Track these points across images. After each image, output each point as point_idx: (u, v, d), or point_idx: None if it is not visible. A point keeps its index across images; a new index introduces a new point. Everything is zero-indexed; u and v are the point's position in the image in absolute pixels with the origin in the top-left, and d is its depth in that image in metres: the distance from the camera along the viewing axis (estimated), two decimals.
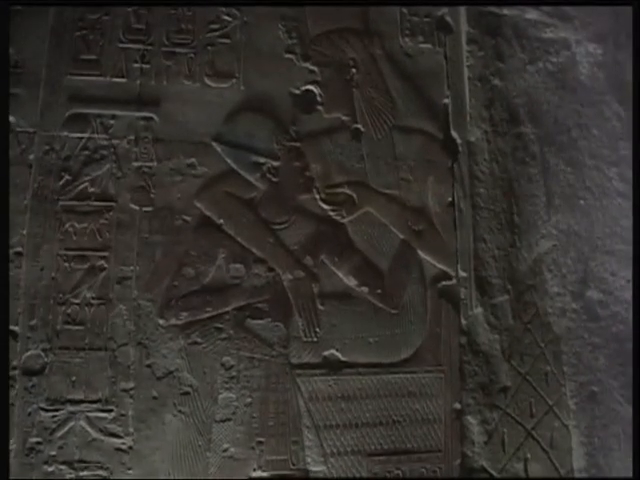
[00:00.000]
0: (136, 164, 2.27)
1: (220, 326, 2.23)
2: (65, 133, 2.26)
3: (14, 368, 2.16)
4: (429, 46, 2.51)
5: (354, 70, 2.41)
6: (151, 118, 2.29)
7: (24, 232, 2.20)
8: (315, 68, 2.41)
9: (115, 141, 2.27)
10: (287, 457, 2.23)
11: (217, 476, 2.18)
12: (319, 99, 2.38)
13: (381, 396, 2.31)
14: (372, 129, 2.39)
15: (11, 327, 2.17)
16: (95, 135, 2.27)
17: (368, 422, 2.28)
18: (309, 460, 2.24)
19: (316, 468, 2.23)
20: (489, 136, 2.49)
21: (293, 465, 2.22)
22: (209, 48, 2.37)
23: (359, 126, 2.39)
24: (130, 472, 2.15)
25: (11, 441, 2.13)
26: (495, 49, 2.56)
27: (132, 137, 2.28)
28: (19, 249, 2.20)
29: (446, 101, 2.49)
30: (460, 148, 2.47)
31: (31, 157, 2.24)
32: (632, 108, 2.43)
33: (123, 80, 2.31)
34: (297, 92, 2.38)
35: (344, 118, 2.38)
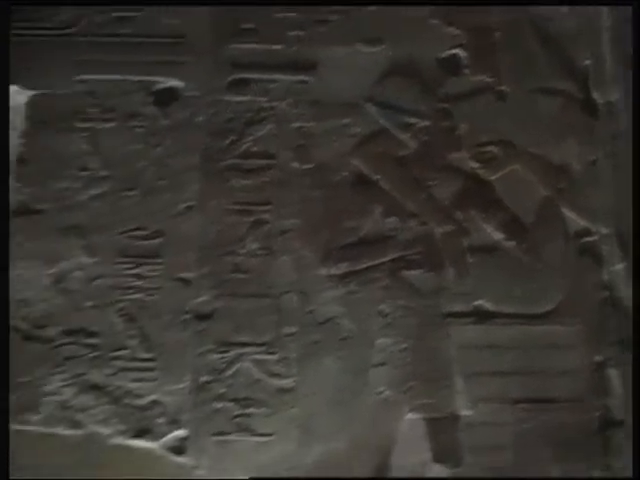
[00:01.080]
0: (295, 125, 2.42)
1: (377, 276, 2.36)
2: (228, 97, 2.43)
3: (186, 312, 2.34)
4: (568, 8, 2.58)
5: (498, 33, 2.51)
6: (307, 82, 2.44)
7: (195, 188, 2.39)
8: (459, 32, 2.52)
9: (275, 103, 2.43)
10: (438, 401, 2.34)
11: (372, 417, 2.31)
12: (464, 62, 2.49)
13: (525, 346, 2.39)
14: (516, 90, 2.49)
15: (183, 275, 2.35)
16: (256, 98, 2.44)
17: (513, 371, 2.37)
18: (458, 405, 2.34)
19: (465, 413, 2.34)
20: (629, 95, 2.55)
21: (443, 409, 2.34)
22: (360, 16, 2.51)
23: (503, 87, 2.48)
24: (292, 411, 2.31)
25: (184, 379, 2.31)
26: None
27: (290, 99, 2.43)
28: (191, 203, 2.38)
29: (587, 62, 2.56)
30: (601, 108, 2.53)
31: (199, 119, 2.43)
32: (632, 108, 2.43)
33: (280, 47, 2.46)
34: (443, 56, 2.49)
35: (489, 80, 2.48)
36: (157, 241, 2.37)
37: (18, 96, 2.48)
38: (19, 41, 2.50)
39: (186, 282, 2.35)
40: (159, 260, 2.36)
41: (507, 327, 2.38)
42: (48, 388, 2.33)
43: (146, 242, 2.37)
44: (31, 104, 2.47)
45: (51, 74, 2.47)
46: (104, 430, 2.31)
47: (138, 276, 2.36)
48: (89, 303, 2.36)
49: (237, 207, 2.37)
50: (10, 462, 2.28)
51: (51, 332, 2.36)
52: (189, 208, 2.37)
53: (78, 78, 2.46)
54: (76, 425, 2.32)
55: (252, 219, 2.37)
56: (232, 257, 2.35)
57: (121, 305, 2.35)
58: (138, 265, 2.36)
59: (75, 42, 2.48)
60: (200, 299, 2.35)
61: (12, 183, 2.43)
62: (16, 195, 2.43)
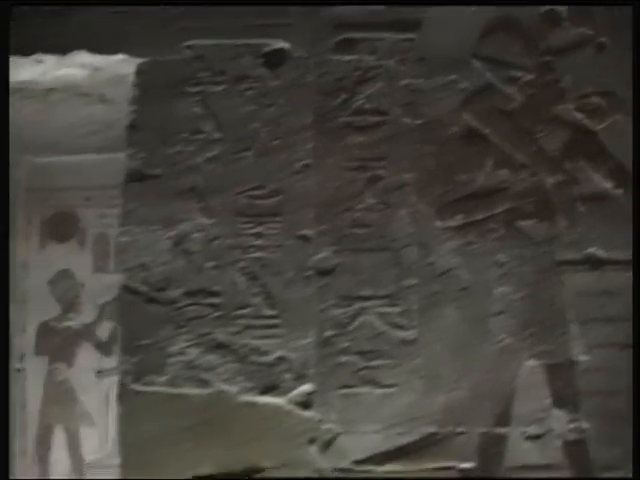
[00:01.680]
0: (403, 82, 2.46)
1: (492, 227, 2.41)
2: (336, 57, 2.47)
3: (308, 269, 2.38)
4: None
5: None
6: (413, 39, 2.48)
7: (309, 147, 2.43)
8: None
9: (382, 62, 2.47)
10: (555, 348, 2.40)
11: (494, 365, 2.36)
12: (564, 16, 2.54)
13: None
14: (614, 43, 2.54)
15: (303, 232, 2.39)
16: (363, 57, 2.47)
17: (626, 317, 2.42)
18: (574, 351, 2.39)
19: (581, 358, 2.39)
20: None
21: (561, 355, 2.39)
22: None
23: (603, 39, 2.53)
24: (415, 361, 2.35)
25: (309, 334, 2.35)
26: None
27: (397, 57, 2.47)
28: (307, 162, 2.42)
29: None
30: None
31: (309, 80, 2.46)
32: (632, 108, 2.45)
33: (385, 6, 2.50)
34: (542, 11, 2.54)
35: (589, 32, 2.53)
36: (275, 199, 2.41)
37: (125, 65, 2.51)
38: (123, 10, 2.53)
39: (306, 239, 2.39)
40: (278, 218, 2.40)
41: (619, 273, 2.44)
42: (173, 349, 2.37)
43: (264, 201, 2.41)
44: (139, 72, 2.50)
45: (158, 42, 2.50)
46: (231, 388, 2.35)
47: (258, 235, 2.40)
48: (210, 264, 2.40)
49: (352, 164, 2.41)
50: (134, 426, 2.33)
51: (173, 294, 2.40)
52: (306, 166, 2.41)
53: (185, 44, 2.49)
54: (202, 384, 2.36)
55: (368, 175, 2.41)
56: (350, 213, 2.39)
57: (242, 264, 2.39)
58: (258, 224, 2.40)
59: (180, 9, 2.51)
60: (321, 255, 2.39)
61: (126, 150, 2.46)
62: (130, 161, 2.46)
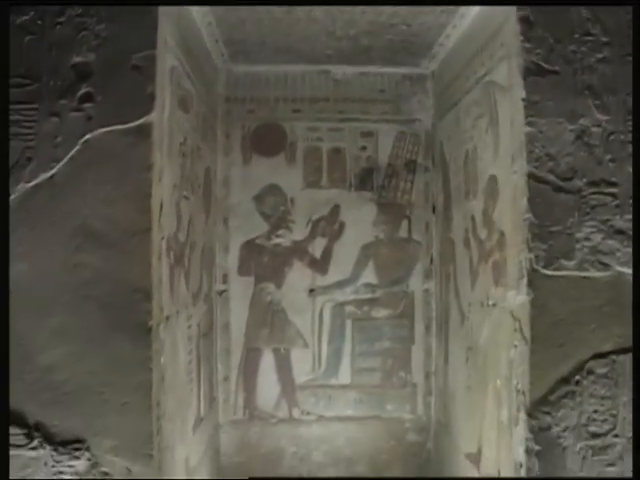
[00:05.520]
0: None
1: None
2: None
3: None
4: None
5: None
6: None
7: None
8: None
9: None
10: None
11: None
12: None
13: None
14: None
15: None
16: None
17: None
18: None
19: None
20: None
21: None
22: None
23: None
24: None
25: None
26: None
27: None
28: None
29: None
30: None
31: None
32: (632, 108, 2.57)
33: None
34: None
35: None
36: None
37: None
38: None
39: None
40: None
41: None
42: (579, 235, 2.52)
43: None
44: None
45: None
46: (628, 271, 2.55)
47: None
48: (607, 157, 2.57)
49: None
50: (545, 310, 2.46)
51: (578, 184, 2.54)
52: None
53: None
54: (604, 268, 2.54)
55: None
56: None
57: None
58: None
59: None
60: None
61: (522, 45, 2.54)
62: (528, 56, 2.54)
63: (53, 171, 2.33)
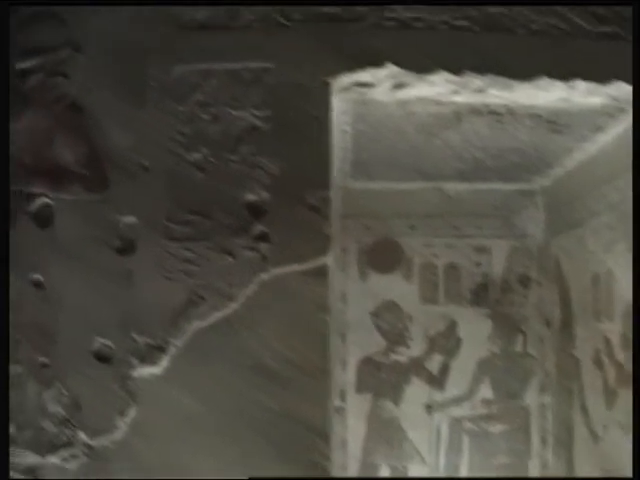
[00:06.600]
0: None
1: None
2: None
3: None
4: None
5: None
6: None
7: None
8: None
9: None
10: None
11: None
12: None
13: None
14: None
15: None
16: None
17: None
18: None
19: None
20: None
21: None
22: None
23: None
24: None
25: None
26: None
27: None
28: None
29: None
30: None
31: None
32: (632, 108, 2.55)
33: None
34: None
35: None
36: None
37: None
38: None
39: None
40: None
41: None
42: None
43: None
44: None
45: None
46: None
47: None
48: None
49: None
50: None
51: None
52: None
53: None
54: None
55: None
56: None
57: None
58: None
59: None
60: None
61: None
62: None
63: (229, 311, 2.37)
